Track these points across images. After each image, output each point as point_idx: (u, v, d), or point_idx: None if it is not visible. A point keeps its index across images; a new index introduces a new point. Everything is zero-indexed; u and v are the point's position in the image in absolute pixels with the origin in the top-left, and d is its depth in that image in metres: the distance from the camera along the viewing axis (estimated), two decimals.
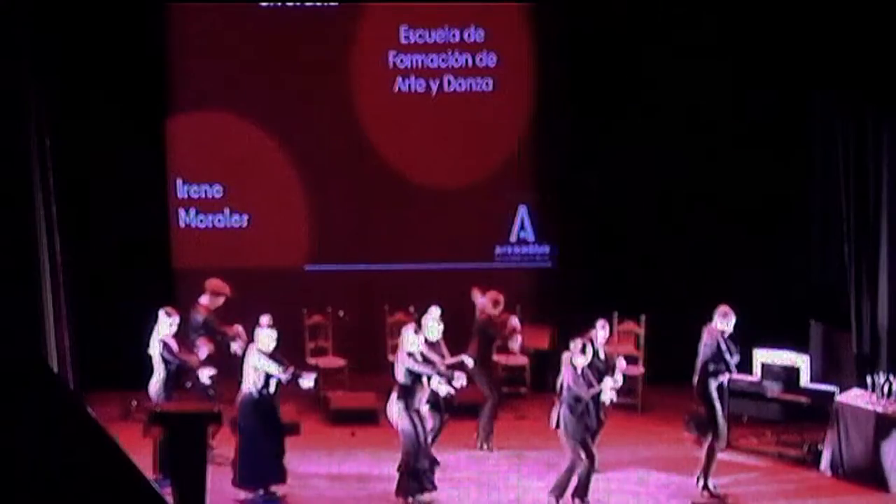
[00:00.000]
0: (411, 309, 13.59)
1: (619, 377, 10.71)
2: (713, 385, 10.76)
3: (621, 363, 10.90)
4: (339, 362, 13.46)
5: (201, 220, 14.38)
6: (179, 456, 9.47)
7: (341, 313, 12.76)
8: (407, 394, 10.37)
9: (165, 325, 10.93)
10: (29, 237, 12.07)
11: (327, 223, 14.41)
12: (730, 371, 10.92)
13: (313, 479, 10.87)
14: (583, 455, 10.19)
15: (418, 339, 10.51)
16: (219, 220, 14.39)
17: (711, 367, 10.75)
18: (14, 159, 11.90)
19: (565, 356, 10.34)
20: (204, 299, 11.89)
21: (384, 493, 10.67)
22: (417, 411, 10.41)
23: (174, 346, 10.92)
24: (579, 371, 10.22)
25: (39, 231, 12.24)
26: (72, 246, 12.88)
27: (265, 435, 10.46)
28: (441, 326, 11.28)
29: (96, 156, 13.42)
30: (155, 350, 10.93)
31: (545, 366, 13.43)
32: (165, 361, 10.87)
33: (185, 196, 14.33)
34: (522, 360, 13.47)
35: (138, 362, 13.12)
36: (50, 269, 12.40)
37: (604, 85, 13.90)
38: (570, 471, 10.29)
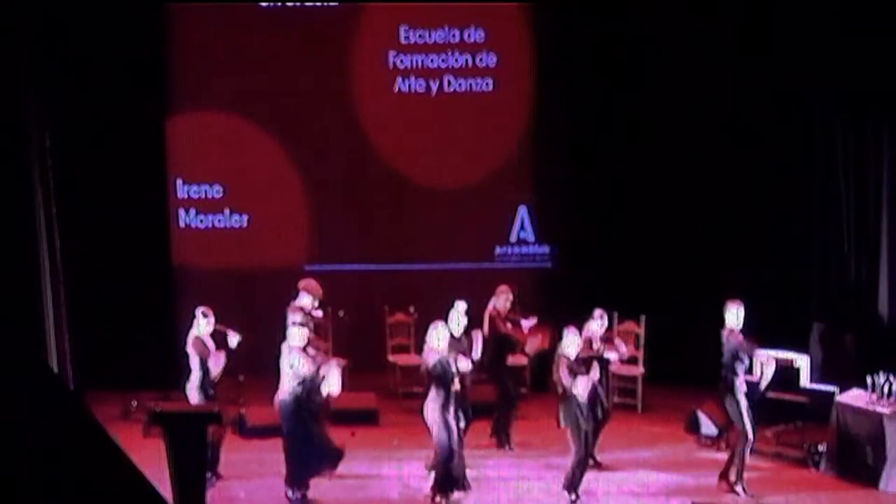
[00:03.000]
0: (411, 309, 13.61)
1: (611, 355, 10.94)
2: (737, 383, 10.66)
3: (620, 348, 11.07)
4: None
5: (201, 220, 14.38)
6: (179, 456, 9.45)
7: (341, 313, 12.77)
8: (441, 394, 10.29)
9: (203, 325, 10.77)
10: (29, 237, 12.08)
11: (327, 223, 14.41)
12: (749, 372, 10.87)
13: (313, 479, 10.82)
14: (580, 447, 10.26)
15: (443, 334, 10.45)
16: (219, 220, 14.39)
17: (734, 367, 10.68)
18: (14, 159, 11.90)
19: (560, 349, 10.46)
20: (300, 301, 11.79)
21: (384, 494, 10.67)
22: (451, 411, 10.34)
23: (210, 344, 10.82)
24: (571, 360, 10.28)
25: (39, 231, 12.25)
26: (72, 246, 12.88)
27: (310, 431, 10.36)
28: (465, 321, 11.23)
29: (96, 155, 13.42)
30: (190, 350, 10.78)
31: (545, 366, 13.42)
32: (202, 362, 10.79)
33: (185, 196, 14.33)
34: (522, 360, 13.47)
35: (138, 362, 13.21)
36: (50, 269, 12.40)
37: (604, 85, 13.91)
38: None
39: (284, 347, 10.45)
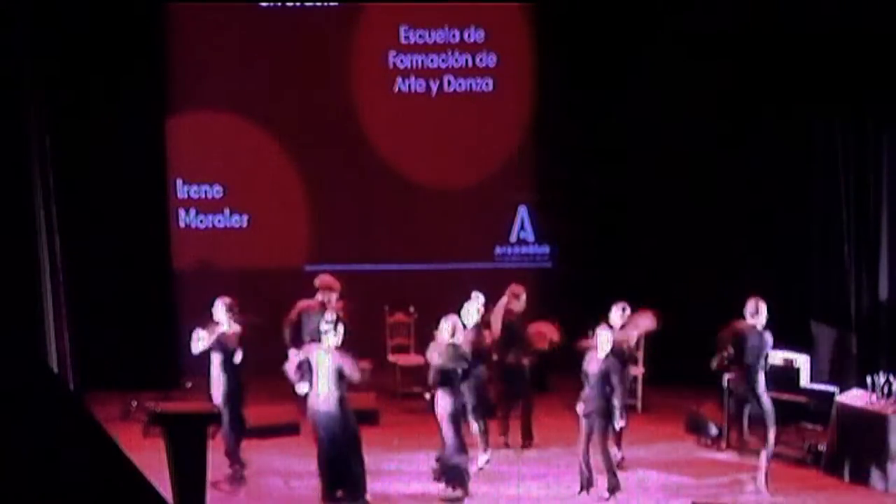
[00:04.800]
0: (411, 309, 13.62)
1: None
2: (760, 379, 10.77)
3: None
4: None
5: (201, 221, 14.39)
6: (179, 456, 9.46)
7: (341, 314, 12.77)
8: (447, 389, 10.26)
9: (226, 321, 10.79)
10: (29, 237, 12.08)
11: (327, 223, 14.41)
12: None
13: (314, 478, 10.83)
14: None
15: (458, 327, 10.42)
16: (219, 220, 14.40)
17: (759, 365, 10.78)
18: (14, 159, 11.91)
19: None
20: (319, 298, 11.66)
21: (384, 493, 10.67)
22: (462, 406, 10.32)
23: (234, 339, 10.84)
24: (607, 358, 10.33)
25: (39, 231, 12.25)
26: (72, 246, 12.88)
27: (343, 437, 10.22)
28: (481, 312, 11.20)
29: (96, 156, 13.42)
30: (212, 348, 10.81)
31: (545, 366, 13.42)
32: (224, 361, 10.80)
33: (185, 196, 14.34)
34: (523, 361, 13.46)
35: (138, 362, 13.21)
36: (50, 269, 12.40)
37: (603, 85, 13.92)
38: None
39: (322, 349, 10.17)
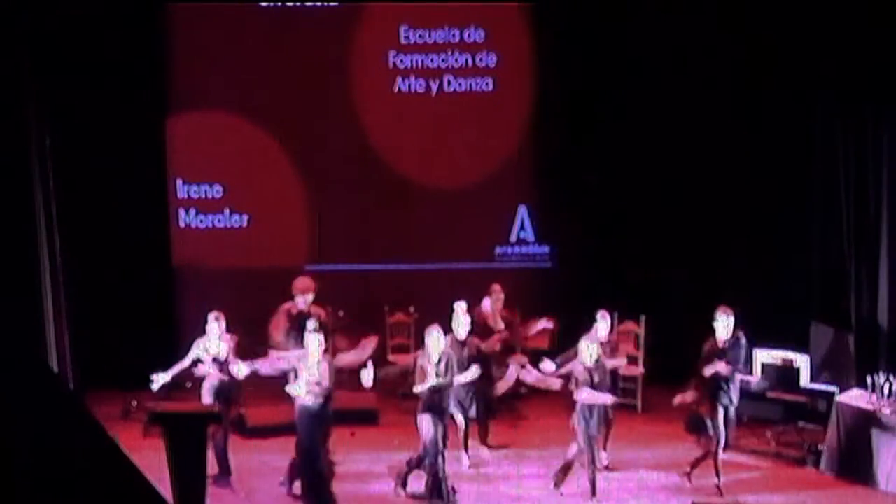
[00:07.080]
0: (411, 309, 13.61)
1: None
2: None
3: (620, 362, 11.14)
4: None
5: (201, 220, 14.38)
6: (179, 456, 9.46)
7: (341, 313, 12.77)
8: (426, 395, 10.30)
9: (215, 330, 10.82)
10: (29, 237, 12.08)
11: (327, 223, 14.41)
12: None
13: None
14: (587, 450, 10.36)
15: (447, 339, 10.46)
16: (219, 220, 14.39)
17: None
18: (14, 159, 11.90)
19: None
20: (300, 303, 11.67)
21: (384, 493, 10.67)
22: (441, 412, 10.34)
23: (228, 347, 10.86)
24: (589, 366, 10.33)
25: (39, 231, 12.25)
26: (72, 246, 12.88)
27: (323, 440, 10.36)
28: (469, 320, 11.22)
29: (96, 156, 13.42)
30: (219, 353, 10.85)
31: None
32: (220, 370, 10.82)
33: (185, 196, 14.34)
34: (522, 360, 13.45)
35: (138, 362, 13.19)
36: (50, 269, 12.40)
37: (604, 85, 13.92)
38: (571, 463, 10.55)
39: (302, 355, 10.33)
